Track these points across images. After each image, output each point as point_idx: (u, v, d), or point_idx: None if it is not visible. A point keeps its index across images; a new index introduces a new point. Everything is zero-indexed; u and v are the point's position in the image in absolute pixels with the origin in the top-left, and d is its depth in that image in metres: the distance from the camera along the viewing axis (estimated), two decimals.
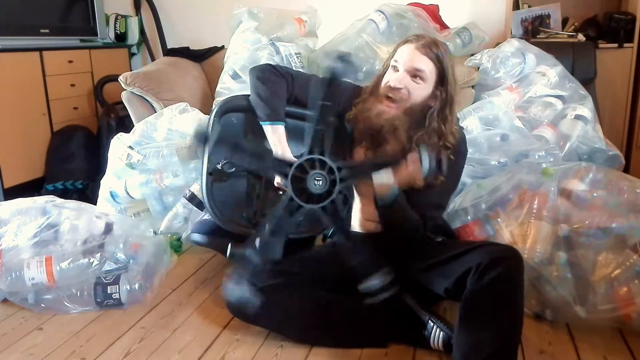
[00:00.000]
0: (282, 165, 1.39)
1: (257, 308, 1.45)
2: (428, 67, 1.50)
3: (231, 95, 2.12)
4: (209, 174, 1.67)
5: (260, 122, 1.60)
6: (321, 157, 1.35)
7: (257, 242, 1.58)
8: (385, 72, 1.58)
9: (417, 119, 1.52)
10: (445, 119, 1.53)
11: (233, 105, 1.70)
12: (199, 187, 2.06)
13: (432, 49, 1.50)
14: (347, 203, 1.70)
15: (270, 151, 1.47)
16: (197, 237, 1.84)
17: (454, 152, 1.54)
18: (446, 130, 1.53)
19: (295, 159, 1.38)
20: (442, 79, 1.52)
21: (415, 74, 1.50)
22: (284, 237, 1.57)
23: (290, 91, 1.62)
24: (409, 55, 1.51)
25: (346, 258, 1.36)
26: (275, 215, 1.37)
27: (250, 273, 1.35)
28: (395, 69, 1.53)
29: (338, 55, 1.34)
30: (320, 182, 1.34)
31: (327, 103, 1.38)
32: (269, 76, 1.61)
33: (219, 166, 1.66)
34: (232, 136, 1.71)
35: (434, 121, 1.52)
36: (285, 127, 1.58)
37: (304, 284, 1.56)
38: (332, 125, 1.40)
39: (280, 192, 1.52)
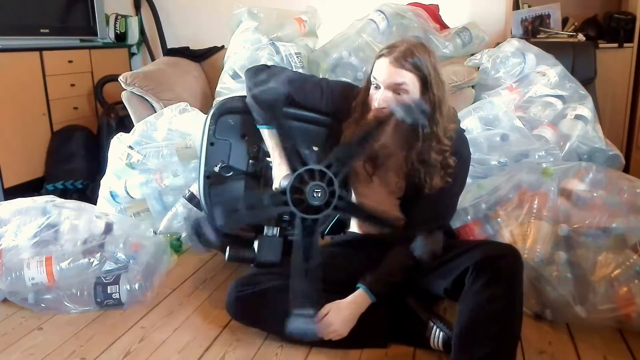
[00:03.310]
0: (297, 159, 1.38)
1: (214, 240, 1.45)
2: (408, 78, 1.43)
3: (229, 95, 2.12)
4: (206, 177, 1.66)
5: (257, 125, 1.59)
6: (333, 177, 1.35)
7: (256, 244, 1.60)
8: (368, 87, 1.51)
9: (409, 130, 1.47)
10: (436, 122, 1.46)
11: (230, 107, 1.67)
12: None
13: (407, 59, 1.41)
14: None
15: (262, 197, 1.43)
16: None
17: (457, 157, 1.50)
18: (439, 132, 1.47)
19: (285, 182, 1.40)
20: (426, 85, 1.44)
21: (396, 89, 1.44)
22: (281, 240, 1.57)
23: (286, 93, 1.60)
24: (385, 72, 1.43)
25: (293, 278, 1.37)
26: (259, 195, 1.38)
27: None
28: (377, 87, 1.47)
29: None
30: (318, 196, 1.35)
31: (281, 121, 1.43)
32: (264, 78, 1.59)
33: (216, 169, 1.65)
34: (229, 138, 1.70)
35: (426, 127, 1.45)
36: None
37: None
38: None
39: None
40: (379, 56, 1.47)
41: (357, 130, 1.48)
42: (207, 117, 1.70)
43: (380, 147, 1.48)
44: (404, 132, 1.48)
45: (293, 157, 1.39)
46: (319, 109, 1.61)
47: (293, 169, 1.37)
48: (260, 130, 1.58)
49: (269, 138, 1.56)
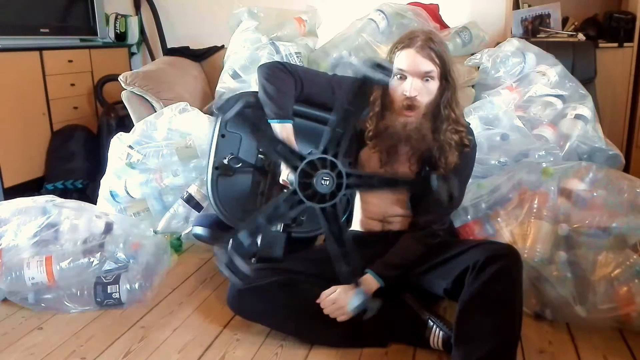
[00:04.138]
0: (293, 156, 1.39)
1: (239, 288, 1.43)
2: (434, 65, 1.49)
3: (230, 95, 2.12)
4: (215, 168, 1.68)
5: (269, 120, 1.60)
6: (334, 159, 1.35)
7: (259, 239, 1.60)
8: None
9: (435, 114, 1.52)
10: (457, 103, 1.54)
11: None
12: (196, 189, 2.07)
13: (431, 46, 1.48)
14: (348, 209, 1.70)
15: (278, 205, 1.41)
16: (199, 230, 1.84)
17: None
18: (458, 114, 1.53)
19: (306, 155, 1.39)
20: (446, 69, 1.50)
21: (424, 76, 1.49)
22: (285, 235, 1.57)
23: (299, 89, 1.61)
24: (412, 61, 1.48)
25: (335, 264, 1.37)
26: (274, 204, 1.37)
27: (240, 256, 1.33)
28: (403, 77, 1.50)
29: (374, 63, 1.35)
30: (327, 183, 1.35)
31: (351, 108, 1.39)
32: (277, 74, 1.59)
33: (225, 161, 1.67)
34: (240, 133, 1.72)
35: (447, 109, 1.52)
36: (293, 125, 1.58)
37: (305, 283, 1.56)
38: (352, 130, 1.40)
39: (285, 190, 1.52)
40: (401, 48, 1.51)
41: (337, 109, 1.47)
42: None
43: (415, 130, 1.51)
44: (431, 117, 1.52)
45: (289, 157, 1.40)
46: (331, 105, 1.63)
47: (294, 167, 1.37)
48: (272, 124, 1.60)
49: (280, 132, 1.57)
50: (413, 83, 1.48)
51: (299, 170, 1.35)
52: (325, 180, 1.35)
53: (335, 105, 1.45)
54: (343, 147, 1.40)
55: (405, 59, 1.49)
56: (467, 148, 1.55)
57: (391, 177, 1.52)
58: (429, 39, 1.49)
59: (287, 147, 1.42)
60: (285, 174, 1.50)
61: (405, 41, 1.51)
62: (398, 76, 1.50)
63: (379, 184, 1.48)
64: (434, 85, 1.50)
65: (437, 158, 1.52)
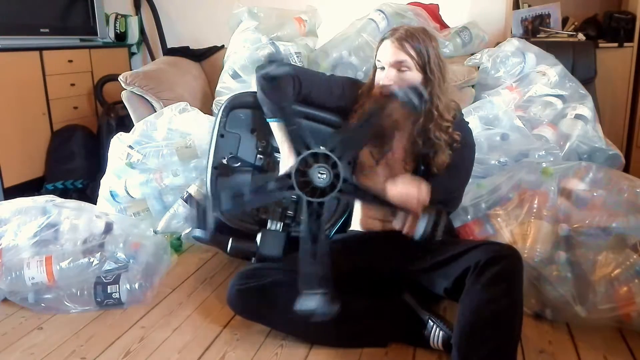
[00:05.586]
0: (283, 182, 1.37)
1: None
2: (407, 57, 1.51)
3: (230, 94, 2.12)
4: (214, 167, 1.68)
5: (267, 119, 1.61)
6: (308, 151, 1.35)
7: (258, 238, 1.59)
8: (375, 73, 1.59)
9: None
10: (440, 99, 1.54)
11: (241, 102, 1.72)
12: (196, 189, 2.07)
13: (408, 39, 1.51)
14: (348, 209, 1.71)
15: (266, 182, 1.42)
16: (198, 232, 1.84)
17: (461, 140, 1.56)
18: (441, 107, 1.54)
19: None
20: (424, 62, 1.52)
21: (399, 66, 1.52)
22: (285, 235, 1.57)
23: (297, 89, 1.62)
24: (388, 51, 1.53)
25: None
26: (307, 226, 1.36)
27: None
28: (382, 68, 1.55)
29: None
30: (325, 175, 1.35)
31: (284, 104, 1.41)
32: (274, 72, 1.60)
33: (224, 160, 1.67)
34: (241, 131, 1.72)
35: (426, 103, 1.50)
36: None
37: None
38: (300, 116, 1.41)
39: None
40: (382, 40, 1.56)
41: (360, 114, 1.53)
42: (219, 109, 1.73)
43: (387, 118, 1.51)
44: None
45: (297, 141, 1.39)
46: (329, 105, 1.65)
47: (297, 152, 1.37)
48: (270, 123, 1.60)
49: (278, 131, 1.58)
50: (387, 72, 1.52)
51: (301, 157, 1.35)
52: (322, 173, 1.35)
53: (275, 112, 1.48)
54: (350, 153, 1.42)
55: (381, 50, 1.55)
56: (456, 144, 1.55)
57: (383, 199, 1.43)
58: (410, 33, 1.52)
59: (297, 132, 1.40)
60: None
61: (387, 33, 1.56)
62: (380, 68, 1.56)
63: (370, 201, 1.46)
64: (411, 76, 1.52)
65: (430, 157, 1.54)
